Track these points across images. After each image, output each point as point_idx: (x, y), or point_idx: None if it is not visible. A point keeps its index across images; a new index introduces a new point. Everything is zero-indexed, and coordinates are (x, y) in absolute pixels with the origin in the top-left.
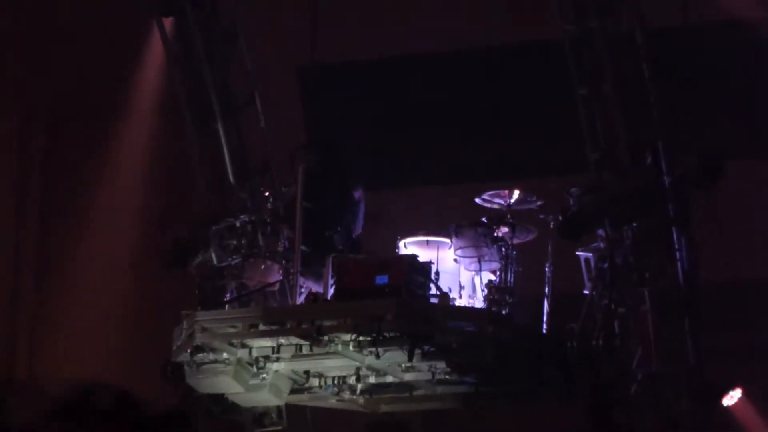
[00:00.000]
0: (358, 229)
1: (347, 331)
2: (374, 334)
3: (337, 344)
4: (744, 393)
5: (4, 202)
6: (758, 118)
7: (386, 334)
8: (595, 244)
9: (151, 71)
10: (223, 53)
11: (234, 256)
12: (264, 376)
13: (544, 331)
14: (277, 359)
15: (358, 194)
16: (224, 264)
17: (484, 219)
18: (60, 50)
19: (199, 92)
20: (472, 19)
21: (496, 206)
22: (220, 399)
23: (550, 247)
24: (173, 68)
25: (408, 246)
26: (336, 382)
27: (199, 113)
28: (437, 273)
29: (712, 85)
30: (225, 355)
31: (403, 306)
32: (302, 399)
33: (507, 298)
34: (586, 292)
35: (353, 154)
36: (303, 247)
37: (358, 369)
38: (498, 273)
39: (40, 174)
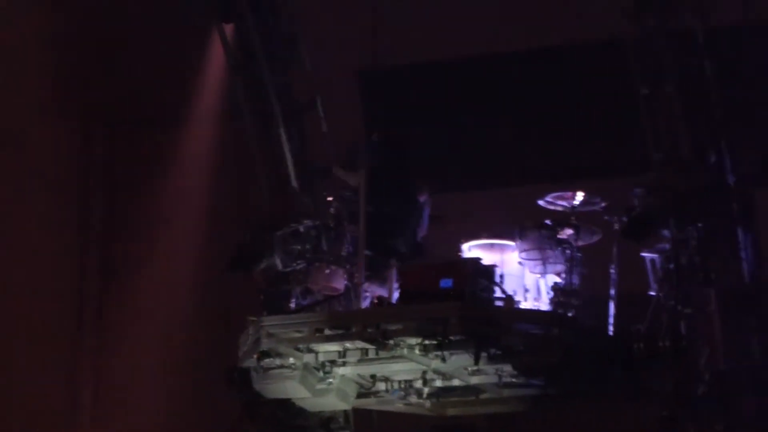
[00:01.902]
0: (423, 233)
1: (412, 335)
2: (440, 338)
3: (402, 348)
4: None
5: (67, 208)
6: None
7: (452, 338)
8: (661, 244)
9: (212, 77)
10: (284, 58)
11: (298, 261)
12: (330, 380)
13: (610, 333)
14: (344, 363)
15: (423, 198)
16: (289, 269)
17: (548, 221)
18: (121, 56)
19: (260, 98)
20: (533, 19)
21: (560, 208)
22: (286, 404)
23: (615, 248)
24: (234, 74)
25: (472, 249)
26: (402, 385)
27: (261, 119)
28: (501, 276)
29: None
30: (291, 360)
31: (468, 309)
32: (369, 403)
33: (572, 300)
34: (652, 293)
35: (415, 156)
36: (367, 252)
37: (424, 373)
38: (563, 275)
39: (101, 180)
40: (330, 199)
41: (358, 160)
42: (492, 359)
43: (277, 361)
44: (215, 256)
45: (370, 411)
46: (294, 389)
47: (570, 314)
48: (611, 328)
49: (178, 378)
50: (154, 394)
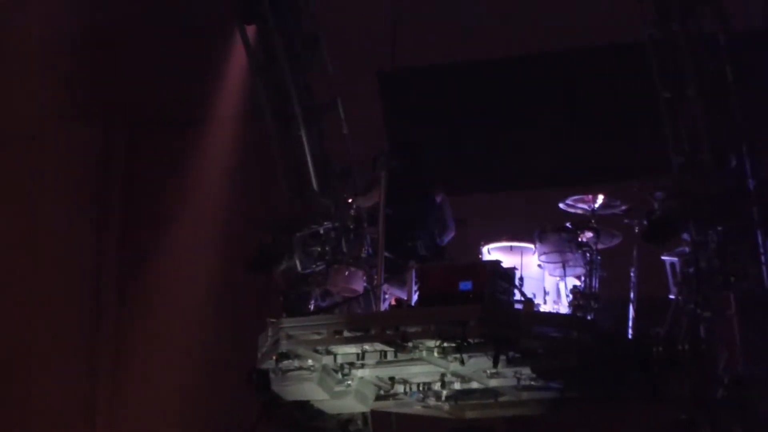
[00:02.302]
0: (449, 234)
1: (431, 337)
2: (458, 340)
3: (421, 350)
4: None
5: (86, 209)
6: None
7: (471, 340)
8: (680, 248)
9: (233, 78)
10: (305, 59)
11: (318, 263)
12: (349, 382)
13: (630, 336)
14: (362, 366)
15: (439, 198)
16: (308, 271)
17: (568, 224)
18: (142, 58)
19: (281, 99)
20: (553, 22)
21: (580, 211)
22: (305, 406)
23: (635, 251)
24: (255, 75)
25: (492, 252)
26: (421, 388)
27: (282, 120)
28: (521, 278)
29: None
30: (310, 361)
31: (487, 312)
32: (387, 405)
33: (592, 303)
34: (671, 296)
35: (434, 158)
36: (386, 254)
37: (443, 375)
38: (583, 278)
39: (121, 182)
40: (350, 200)
41: (377, 163)
42: (511, 362)
43: (296, 363)
44: (235, 258)
45: (388, 413)
46: (312, 391)
47: (589, 317)
48: (630, 331)
49: (196, 379)
50: (173, 396)
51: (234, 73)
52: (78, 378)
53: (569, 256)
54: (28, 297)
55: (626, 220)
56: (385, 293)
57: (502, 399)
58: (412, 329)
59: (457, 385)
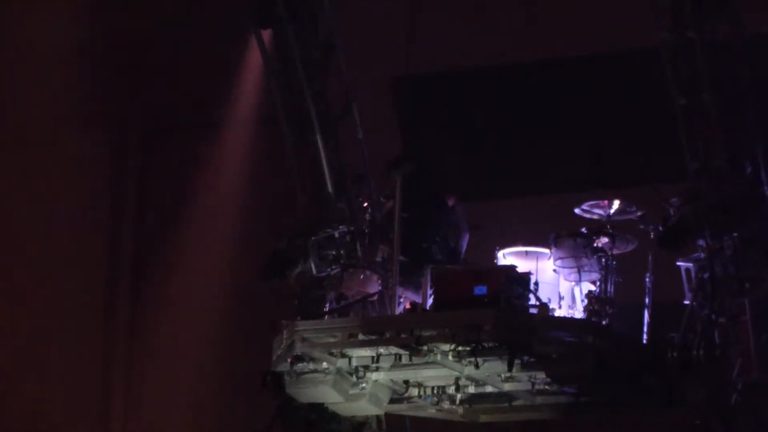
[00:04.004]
0: (463, 238)
1: (446, 341)
2: (473, 344)
3: (436, 354)
4: None
5: (101, 215)
6: None
7: (485, 344)
8: (696, 254)
9: (249, 83)
10: (321, 65)
11: (333, 267)
12: (363, 385)
13: (645, 342)
14: (377, 369)
15: (452, 202)
16: (323, 274)
17: (583, 229)
18: (157, 63)
19: (296, 104)
20: (569, 28)
21: (595, 216)
22: (319, 408)
23: (650, 257)
24: (271, 80)
25: (507, 256)
26: (435, 391)
27: (297, 125)
28: (536, 283)
29: None
30: (325, 364)
31: (502, 316)
32: (402, 409)
33: (607, 308)
34: (686, 302)
35: (450, 164)
36: (401, 258)
37: (457, 379)
38: (598, 283)
39: (136, 187)
40: (365, 205)
41: (392, 168)
42: (525, 366)
43: (311, 366)
44: (250, 261)
45: (403, 416)
46: (327, 394)
47: (604, 322)
48: (645, 336)
49: (210, 381)
50: (187, 397)
51: (250, 78)
52: (92, 381)
53: (584, 261)
54: (43, 302)
55: (641, 226)
56: (400, 297)
57: (516, 403)
58: (426, 333)
59: (471, 389)
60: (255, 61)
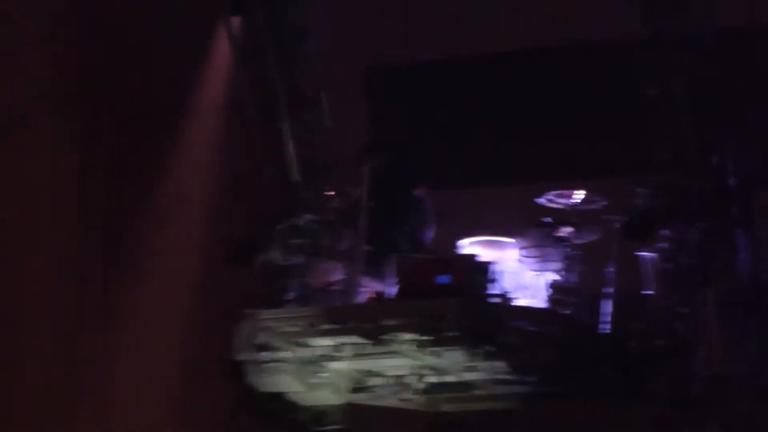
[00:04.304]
0: (430, 229)
1: (408, 331)
2: (436, 334)
3: (398, 343)
4: None
5: (69, 202)
6: None
7: (448, 334)
8: (660, 244)
9: (217, 70)
10: (291, 52)
11: (298, 256)
12: (325, 375)
13: (607, 332)
14: (339, 358)
15: (420, 193)
16: (288, 263)
17: (548, 219)
18: (124, 49)
19: (265, 91)
20: (537, 18)
21: (560, 206)
22: (280, 398)
23: (613, 247)
24: (240, 67)
25: (471, 246)
26: (397, 381)
27: (266, 112)
28: (500, 273)
29: None
30: (287, 354)
31: (465, 306)
32: (363, 398)
33: (570, 298)
34: (649, 292)
35: (416, 153)
36: (366, 247)
37: (419, 368)
38: (561, 273)
39: (104, 174)
40: (332, 194)
41: (360, 157)
42: (487, 356)
43: (273, 355)
44: (216, 249)
45: (363, 406)
46: (288, 383)
47: (567, 312)
48: (608, 327)
49: (172, 370)
50: (149, 385)
51: (219, 65)
52: (60, 368)
53: (548, 250)
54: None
55: (606, 216)
56: (363, 286)
57: (477, 393)
58: (389, 322)
59: (433, 379)
60: (225, 47)
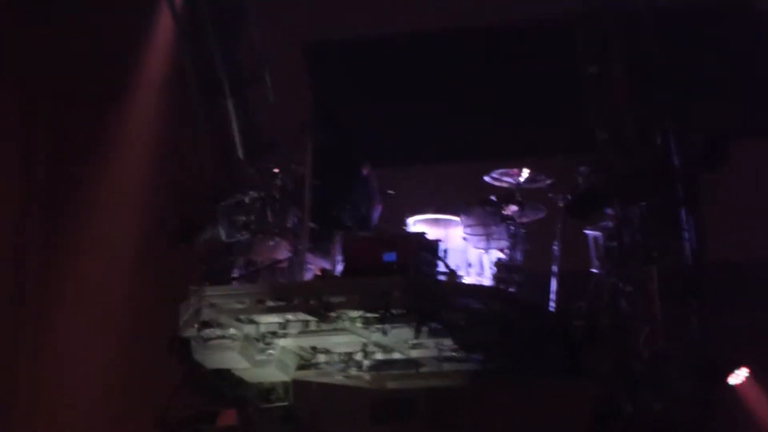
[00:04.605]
0: (375, 208)
1: (354, 308)
2: (381, 311)
3: (344, 320)
4: (750, 372)
5: (10, 182)
6: (766, 97)
7: (393, 311)
8: (603, 222)
9: (160, 46)
10: (232, 29)
11: (242, 233)
12: (271, 351)
13: (552, 310)
14: (285, 335)
15: (365, 170)
16: (232, 240)
17: (492, 197)
18: (65, 26)
19: (207, 68)
20: None
21: (505, 185)
22: (226, 374)
23: (558, 225)
24: (182, 44)
25: (416, 224)
26: (343, 358)
27: (208, 89)
28: (445, 251)
29: (721, 65)
30: (232, 330)
31: (411, 283)
32: (309, 375)
33: (515, 276)
34: (593, 270)
35: (361, 130)
36: (311, 224)
37: (365, 345)
38: (506, 251)
39: (45, 154)
40: (276, 170)
41: (304, 134)
42: (433, 333)
43: (218, 332)
44: (159, 226)
45: (310, 383)
46: (234, 360)
47: (512, 290)
48: (552, 304)
49: (117, 347)
50: (94, 362)
51: (161, 41)
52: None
53: (493, 229)
54: None
55: (550, 195)
56: (309, 263)
57: (423, 370)
58: (335, 299)
59: (378, 356)
60: (166, 24)
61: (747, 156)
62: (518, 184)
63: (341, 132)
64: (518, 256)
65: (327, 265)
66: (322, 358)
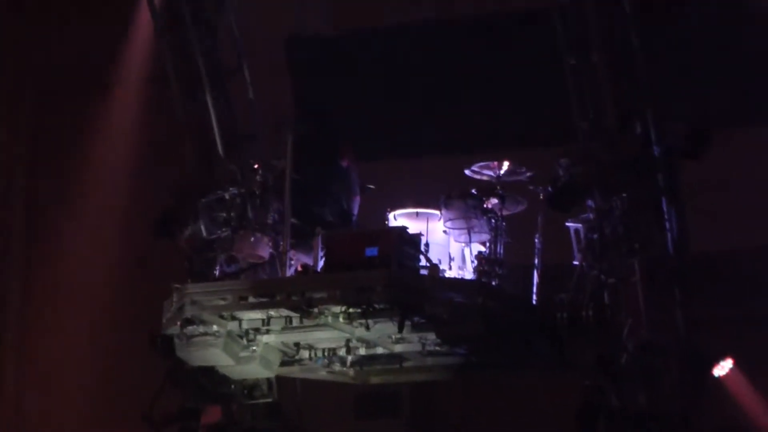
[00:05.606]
0: (355, 200)
1: (337, 303)
2: (364, 306)
3: (327, 316)
4: (735, 363)
5: None
6: (747, 85)
7: (376, 306)
8: (585, 214)
9: (139, 42)
10: (212, 23)
11: (223, 229)
12: (254, 348)
13: (534, 302)
14: (267, 331)
15: (345, 164)
16: (213, 236)
17: (473, 190)
18: (47, 22)
19: (187, 63)
20: None
21: (485, 177)
22: (210, 371)
23: (539, 218)
24: (161, 38)
25: (397, 218)
26: (326, 354)
27: (188, 84)
28: (427, 244)
29: (702, 53)
30: (215, 327)
31: (393, 277)
32: (292, 371)
33: (497, 269)
34: (575, 263)
35: (341, 124)
36: (293, 220)
37: (348, 341)
38: (487, 244)
39: (27, 150)
40: (256, 166)
41: (284, 128)
42: (416, 327)
43: (201, 329)
44: (140, 222)
45: (293, 379)
46: (217, 357)
47: (494, 283)
48: (535, 297)
49: (100, 344)
50: (77, 359)
51: (141, 36)
52: None
53: (474, 222)
54: None
55: (531, 187)
56: (291, 259)
57: (407, 364)
58: (317, 295)
59: (362, 351)
60: (146, 18)
61: (731, 144)
62: (499, 176)
63: (321, 125)
64: (500, 249)
65: (309, 261)
66: (305, 354)
